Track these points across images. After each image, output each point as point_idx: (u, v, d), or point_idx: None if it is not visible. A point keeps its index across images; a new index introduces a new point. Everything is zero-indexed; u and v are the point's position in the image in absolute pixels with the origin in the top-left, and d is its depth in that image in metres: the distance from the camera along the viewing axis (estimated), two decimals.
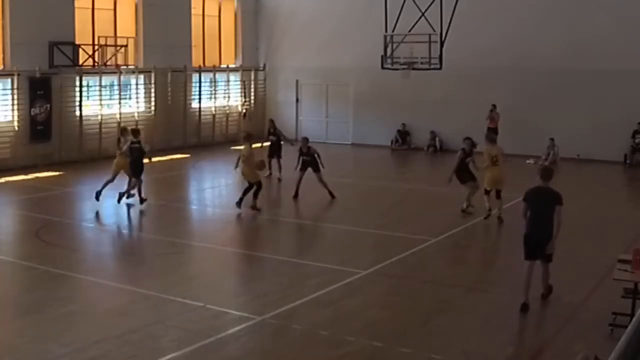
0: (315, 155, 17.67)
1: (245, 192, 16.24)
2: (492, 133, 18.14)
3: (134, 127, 19.37)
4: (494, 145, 15.55)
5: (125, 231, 15.31)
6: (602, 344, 8.65)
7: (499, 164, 15.20)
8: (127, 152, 16.57)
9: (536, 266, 10.11)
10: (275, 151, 20.83)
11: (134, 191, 16.71)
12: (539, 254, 10.06)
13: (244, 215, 15.94)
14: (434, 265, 12.63)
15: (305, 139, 18.21)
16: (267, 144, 21.34)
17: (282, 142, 21.00)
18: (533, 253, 10.06)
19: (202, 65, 27.70)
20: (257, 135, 28.80)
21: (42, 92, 22.30)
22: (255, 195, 16.14)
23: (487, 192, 15.31)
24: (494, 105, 24.40)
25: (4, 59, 21.79)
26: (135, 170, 16.54)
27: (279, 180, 20.39)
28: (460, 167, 15.68)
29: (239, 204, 16.13)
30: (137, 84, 25.67)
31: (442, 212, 16.83)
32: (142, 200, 16.59)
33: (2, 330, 9.43)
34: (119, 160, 16.85)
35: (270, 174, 20.70)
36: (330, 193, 17.56)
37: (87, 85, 24.20)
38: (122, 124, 24.55)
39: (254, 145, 16.89)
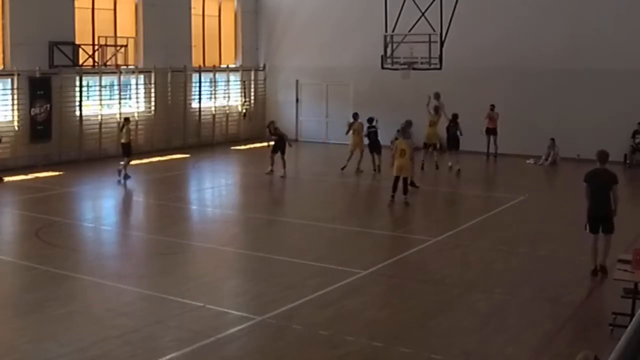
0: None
1: (395, 187, 16.95)
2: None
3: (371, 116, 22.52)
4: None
5: (125, 231, 15.31)
6: (602, 344, 8.65)
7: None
8: (366, 134, 21.69)
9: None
10: (279, 146, 20.88)
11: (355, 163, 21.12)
12: (601, 227, 11.41)
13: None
14: (434, 265, 12.63)
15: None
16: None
17: (286, 140, 21.07)
18: (596, 227, 11.44)
19: (202, 65, 27.70)
20: (258, 136, 29.01)
21: (42, 92, 22.30)
22: (406, 191, 17.01)
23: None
24: (493, 105, 24.39)
25: (4, 59, 21.79)
26: (374, 149, 21.44)
27: (282, 177, 20.42)
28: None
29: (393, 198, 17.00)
30: (137, 84, 25.67)
31: (442, 212, 16.84)
32: (378, 170, 21.24)
33: (2, 330, 9.43)
34: (355, 139, 21.77)
35: (272, 170, 20.71)
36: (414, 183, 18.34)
37: (87, 85, 24.20)
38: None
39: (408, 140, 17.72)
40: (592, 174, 11.51)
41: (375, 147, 21.55)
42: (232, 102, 29.51)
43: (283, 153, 20.80)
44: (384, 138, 26.86)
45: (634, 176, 22.48)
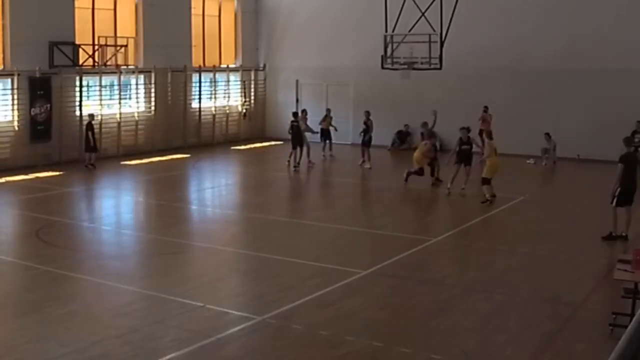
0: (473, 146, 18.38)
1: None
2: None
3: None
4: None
5: (125, 231, 15.30)
6: (602, 344, 8.65)
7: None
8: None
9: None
10: (297, 140, 21.87)
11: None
12: (630, 201, 13.21)
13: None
14: (434, 265, 12.63)
15: (466, 129, 18.39)
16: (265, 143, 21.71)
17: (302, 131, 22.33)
18: (625, 200, 13.17)
19: (202, 65, 27.70)
20: (257, 136, 29.04)
21: (42, 92, 22.29)
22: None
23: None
24: (486, 107, 24.32)
25: (4, 59, 21.79)
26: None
27: (312, 163, 21.79)
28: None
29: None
30: (137, 84, 25.67)
31: (442, 212, 16.84)
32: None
33: (2, 330, 9.43)
34: None
35: (290, 161, 21.75)
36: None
37: (87, 85, 24.20)
38: (121, 124, 24.73)
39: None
40: (626, 156, 13.35)
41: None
42: (232, 102, 29.51)
43: (301, 146, 21.88)
44: (381, 138, 27.04)
45: None
